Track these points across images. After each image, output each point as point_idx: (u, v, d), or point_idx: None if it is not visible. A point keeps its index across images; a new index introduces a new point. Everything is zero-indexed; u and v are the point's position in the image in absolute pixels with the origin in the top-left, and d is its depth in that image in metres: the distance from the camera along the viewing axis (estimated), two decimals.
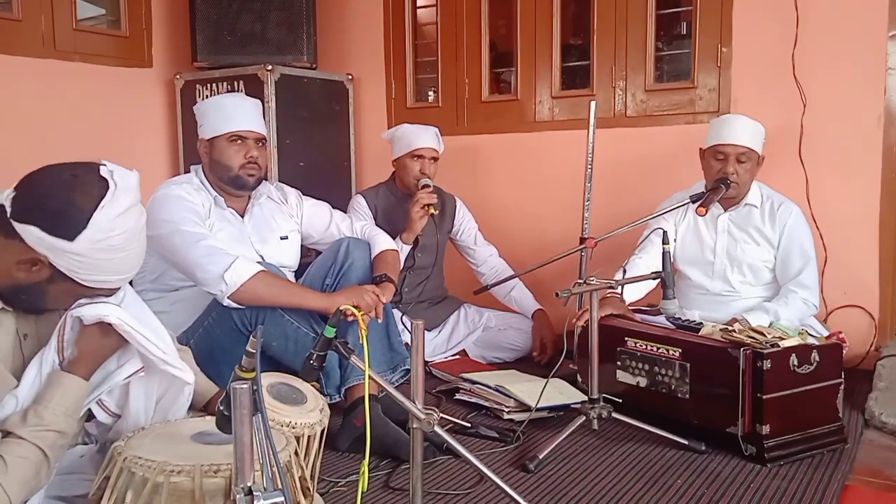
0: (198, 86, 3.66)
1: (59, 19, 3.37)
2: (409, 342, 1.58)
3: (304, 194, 2.72)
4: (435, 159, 3.15)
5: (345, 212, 3.18)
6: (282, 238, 2.54)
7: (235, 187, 2.43)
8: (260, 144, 2.44)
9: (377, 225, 3.14)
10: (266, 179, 2.56)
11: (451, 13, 3.81)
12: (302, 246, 2.69)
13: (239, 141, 2.39)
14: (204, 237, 2.23)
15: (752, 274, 2.64)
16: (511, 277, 3.19)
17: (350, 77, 3.89)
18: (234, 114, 2.41)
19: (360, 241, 2.50)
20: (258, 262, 2.26)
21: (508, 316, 3.30)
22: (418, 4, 3.95)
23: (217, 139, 2.39)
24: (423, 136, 3.13)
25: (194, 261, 2.18)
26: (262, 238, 2.48)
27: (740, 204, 2.68)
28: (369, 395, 2.11)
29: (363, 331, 1.60)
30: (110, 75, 3.60)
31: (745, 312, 2.52)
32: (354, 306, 2.02)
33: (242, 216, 2.47)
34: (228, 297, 2.16)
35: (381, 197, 3.22)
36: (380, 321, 2.30)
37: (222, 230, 2.38)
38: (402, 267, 2.84)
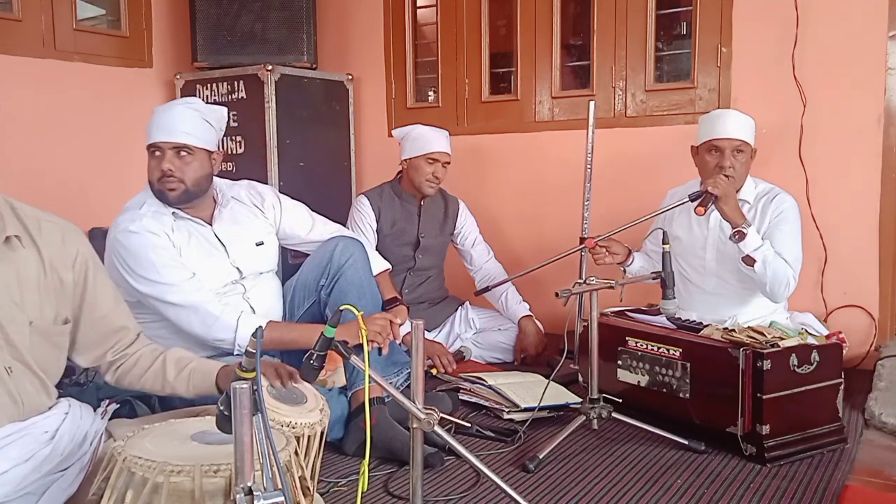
0: (198, 86, 3.66)
1: (59, 19, 3.37)
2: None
3: (304, 195, 2.66)
4: (447, 164, 3.15)
5: (346, 214, 3.19)
6: (257, 244, 2.39)
7: (163, 203, 2.21)
8: (183, 154, 2.15)
9: (380, 226, 3.14)
10: (271, 182, 2.49)
11: (451, 13, 3.81)
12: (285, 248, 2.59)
13: (157, 153, 2.17)
14: (196, 301, 2.13)
15: (742, 271, 2.62)
16: (506, 281, 3.18)
17: (350, 77, 3.89)
18: (156, 123, 2.18)
19: (354, 240, 2.44)
20: (250, 310, 2.24)
21: None
22: (418, 4, 3.95)
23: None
24: (439, 140, 3.12)
25: (200, 333, 2.14)
26: (236, 247, 2.33)
27: None
28: (376, 397, 2.13)
29: (363, 331, 1.59)
30: (110, 75, 3.60)
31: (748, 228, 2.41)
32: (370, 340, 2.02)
33: (211, 223, 2.30)
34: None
35: (386, 197, 3.20)
36: (398, 342, 2.29)
37: (189, 245, 2.22)
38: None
